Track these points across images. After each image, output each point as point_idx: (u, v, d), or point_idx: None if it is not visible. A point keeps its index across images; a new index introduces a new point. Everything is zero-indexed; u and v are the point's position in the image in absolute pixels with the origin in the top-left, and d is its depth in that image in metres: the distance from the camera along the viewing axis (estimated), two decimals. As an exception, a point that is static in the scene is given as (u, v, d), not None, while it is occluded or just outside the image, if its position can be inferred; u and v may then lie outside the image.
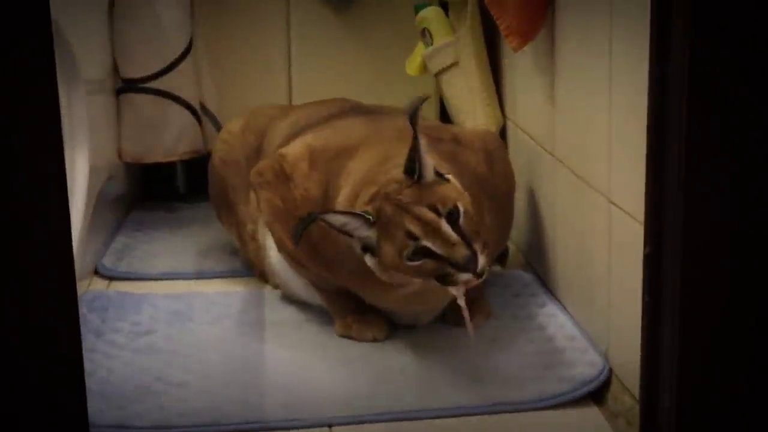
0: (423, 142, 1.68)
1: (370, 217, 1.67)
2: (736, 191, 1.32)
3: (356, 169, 1.81)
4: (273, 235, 1.96)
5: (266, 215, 1.95)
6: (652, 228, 1.38)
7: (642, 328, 1.42)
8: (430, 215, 1.64)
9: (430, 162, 1.70)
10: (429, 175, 1.69)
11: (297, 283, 2.03)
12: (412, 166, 1.68)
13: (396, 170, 1.71)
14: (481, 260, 1.63)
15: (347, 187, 1.79)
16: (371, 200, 1.70)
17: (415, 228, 1.64)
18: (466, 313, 1.71)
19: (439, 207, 1.65)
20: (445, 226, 1.64)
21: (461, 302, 1.69)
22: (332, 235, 1.76)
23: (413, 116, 1.67)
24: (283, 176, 1.91)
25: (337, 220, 1.68)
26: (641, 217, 1.42)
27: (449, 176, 1.72)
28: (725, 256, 1.33)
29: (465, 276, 1.63)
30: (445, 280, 1.65)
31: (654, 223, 1.37)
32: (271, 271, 2.08)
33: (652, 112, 1.35)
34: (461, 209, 1.65)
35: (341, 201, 1.78)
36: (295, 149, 1.94)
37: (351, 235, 1.70)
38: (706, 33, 1.27)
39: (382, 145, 1.85)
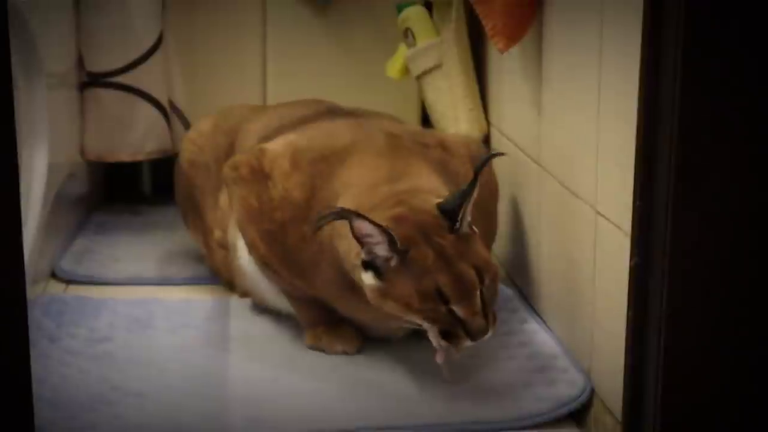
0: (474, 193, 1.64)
1: (398, 244, 1.59)
2: (726, 202, 1.32)
3: (354, 177, 1.74)
4: (244, 236, 1.88)
5: (238, 214, 1.88)
6: (640, 239, 1.38)
7: (626, 344, 1.42)
8: (473, 280, 1.59)
9: (469, 212, 1.65)
10: (465, 226, 1.64)
11: (267, 288, 1.96)
12: (455, 214, 1.62)
13: (427, 200, 1.65)
14: (491, 332, 1.61)
15: (347, 195, 1.71)
16: (397, 222, 1.61)
17: (449, 289, 1.58)
18: (440, 357, 1.64)
19: (484, 274, 1.61)
20: (478, 294, 1.60)
21: (438, 355, 1.64)
22: (309, 242, 1.71)
23: (480, 168, 1.62)
24: (260, 173, 1.84)
25: (364, 227, 1.59)
26: (628, 228, 1.41)
27: (475, 229, 1.67)
28: (714, 268, 1.33)
29: (469, 343, 1.60)
30: (448, 336, 1.61)
31: (641, 234, 1.37)
32: (241, 273, 2.02)
33: (642, 120, 1.35)
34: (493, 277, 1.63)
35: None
36: (275, 146, 1.88)
37: (362, 245, 1.61)
38: (699, 39, 1.28)
39: (380, 155, 1.79)
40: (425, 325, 1.62)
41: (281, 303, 1.96)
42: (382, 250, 1.60)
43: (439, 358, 1.64)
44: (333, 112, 2.08)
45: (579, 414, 1.68)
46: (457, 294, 1.59)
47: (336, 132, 1.89)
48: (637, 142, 1.36)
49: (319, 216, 1.63)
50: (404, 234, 1.60)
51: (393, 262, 1.60)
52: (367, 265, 1.62)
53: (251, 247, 1.87)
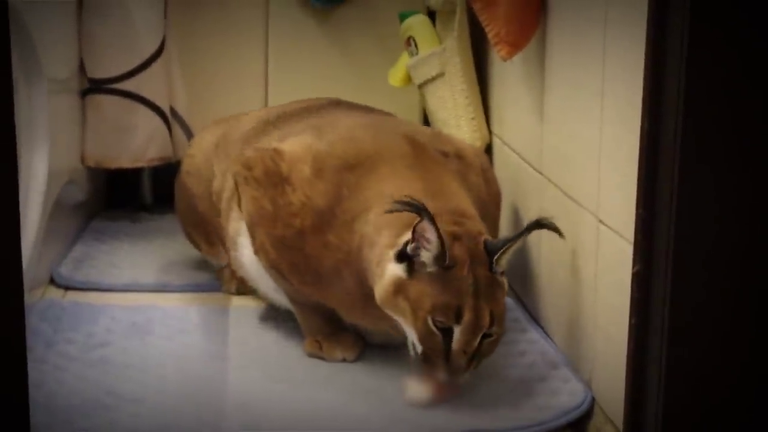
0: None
1: (447, 260, 1.60)
2: (728, 209, 1.32)
3: (389, 188, 1.71)
4: (253, 237, 1.84)
5: (248, 215, 1.84)
6: (642, 247, 1.37)
7: (628, 354, 1.41)
8: (485, 323, 1.60)
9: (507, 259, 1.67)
10: (500, 272, 1.66)
11: (267, 284, 1.94)
12: (496, 256, 1.63)
13: (480, 230, 1.67)
14: (464, 377, 1.62)
15: (384, 205, 1.68)
16: (455, 239, 1.62)
17: (466, 315, 1.59)
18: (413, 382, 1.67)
19: (495, 323, 1.62)
20: (479, 338, 1.61)
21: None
22: (332, 249, 1.71)
23: (533, 227, 1.64)
24: (276, 176, 1.80)
25: (429, 231, 1.59)
26: (631, 236, 1.41)
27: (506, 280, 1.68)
28: (717, 276, 1.33)
29: (442, 376, 1.61)
30: (427, 360, 1.62)
31: (644, 242, 1.36)
32: (239, 265, 1.98)
33: (645, 128, 1.35)
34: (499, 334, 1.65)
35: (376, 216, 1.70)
36: (293, 147, 1.83)
37: (413, 240, 1.60)
38: (703, 47, 1.28)
39: (410, 167, 1.77)
40: (413, 338, 1.62)
41: (279, 300, 1.94)
42: (427, 256, 1.60)
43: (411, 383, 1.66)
44: (337, 104, 2.07)
45: (580, 423, 1.67)
46: (468, 324, 1.59)
47: (356, 136, 1.85)
48: (640, 150, 1.36)
49: (394, 202, 1.61)
50: (457, 254, 1.61)
51: (430, 269, 1.60)
52: (402, 258, 1.62)
53: (260, 251, 1.84)
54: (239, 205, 1.88)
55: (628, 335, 1.40)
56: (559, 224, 1.87)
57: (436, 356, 1.61)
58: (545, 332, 1.95)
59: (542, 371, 1.79)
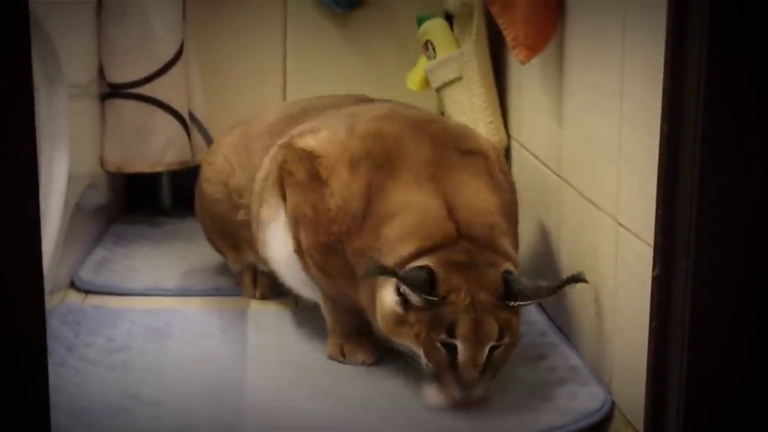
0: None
1: (436, 300, 1.59)
2: (750, 211, 1.30)
3: (409, 197, 1.71)
4: (299, 241, 1.83)
5: (293, 220, 1.83)
6: (662, 249, 1.36)
7: (648, 356, 1.40)
8: (490, 332, 1.60)
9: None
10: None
11: (294, 277, 1.91)
12: (515, 298, 1.62)
13: (495, 262, 1.65)
14: (479, 391, 1.61)
15: (402, 220, 1.69)
16: (449, 269, 1.61)
17: (463, 327, 1.59)
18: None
19: (505, 333, 1.60)
20: (487, 348, 1.60)
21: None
22: (359, 254, 1.71)
23: (564, 284, 1.64)
24: (316, 179, 1.79)
25: (411, 296, 1.60)
26: (650, 239, 1.40)
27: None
28: (738, 278, 1.31)
29: (456, 393, 1.60)
30: (436, 377, 1.62)
31: (664, 244, 1.36)
32: (265, 253, 1.95)
33: (665, 130, 1.34)
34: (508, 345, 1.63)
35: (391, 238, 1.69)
36: (328, 149, 1.81)
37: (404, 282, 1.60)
38: (723, 48, 1.27)
39: (432, 178, 1.75)
40: (422, 359, 1.62)
41: (306, 293, 1.93)
42: (415, 299, 1.61)
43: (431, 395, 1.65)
44: (360, 100, 2.07)
45: (600, 427, 1.66)
46: (467, 337, 1.58)
47: (383, 131, 1.83)
48: (660, 151, 1.35)
49: (366, 266, 1.62)
50: (451, 285, 1.60)
51: (422, 303, 1.61)
52: (399, 292, 1.62)
53: (307, 255, 1.82)
54: (279, 194, 1.86)
55: (649, 338, 1.39)
56: (578, 227, 1.87)
57: (444, 372, 1.61)
58: (564, 335, 1.94)
59: (562, 375, 1.78)
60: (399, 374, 1.79)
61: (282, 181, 1.86)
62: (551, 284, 1.64)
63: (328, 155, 1.80)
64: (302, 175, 1.81)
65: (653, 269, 1.37)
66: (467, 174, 1.79)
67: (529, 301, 1.64)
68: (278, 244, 1.90)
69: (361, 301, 1.77)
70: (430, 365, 1.62)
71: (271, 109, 2.16)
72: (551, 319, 2.02)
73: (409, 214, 1.70)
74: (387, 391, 1.74)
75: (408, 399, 1.71)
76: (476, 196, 1.75)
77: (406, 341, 1.64)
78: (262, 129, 2.07)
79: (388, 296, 1.64)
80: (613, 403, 1.68)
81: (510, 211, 1.83)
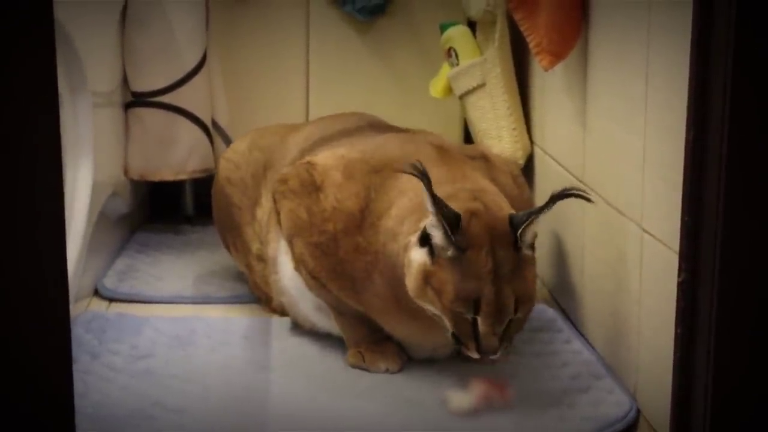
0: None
1: (454, 240, 1.60)
2: None
3: (409, 183, 1.72)
4: (292, 250, 1.87)
5: (287, 228, 1.86)
6: (688, 255, 1.35)
7: (674, 364, 1.39)
8: (509, 308, 1.62)
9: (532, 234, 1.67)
10: (527, 247, 1.66)
11: (307, 305, 1.95)
12: (520, 230, 1.63)
13: (502, 205, 1.68)
14: (499, 354, 1.63)
15: (404, 198, 1.72)
16: (473, 216, 1.63)
17: (485, 304, 1.60)
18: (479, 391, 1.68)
19: (520, 306, 1.62)
20: (504, 323, 1.62)
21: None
22: (362, 252, 1.72)
23: (559, 197, 1.64)
24: (310, 186, 1.83)
25: (426, 200, 1.60)
26: (676, 245, 1.39)
27: (534, 255, 1.68)
28: (765, 284, 1.30)
29: (475, 355, 1.63)
30: (458, 341, 1.65)
31: (689, 250, 1.35)
32: (279, 289, 2.01)
33: (691, 136, 1.33)
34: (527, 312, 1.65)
35: (397, 213, 1.72)
36: (325, 159, 1.87)
37: (438, 214, 1.60)
38: (748, 53, 1.26)
39: (433, 165, 1.76)
40: (445, 323, 1.64)
41: (321, 321, 1.95)
42: (440, 239, 1.61)
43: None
44: (374, 125, 2.08)
45: (624, 435, 1.65)
46: (489, 312, 1.60)
47: (386, 144, 1.89)
48: (685, 158, 1.35)
49: (399, 166, 1.64)
50: (474, 233, 1.62)
51: (450, 253, 1.61)
52: (425, 241, 1.63)
53: (299, 262, 1.86)
54: (279, 222, 1.90)
55: (674, 345, 1.38)
56: (603, 234, 1.87)
57: (467, 339, 1.63)
58: (589, 343, 1.94)
59: (586, 382, 1.78)
60: (422, 382, 1.79)
61: (277, 206, 1.89)
62: (544, 203, 1.64)
63: (322, 164, 1.85)
64: (296, 183, 1.85)
65: (678, 276, 1.36)
66: (466, 167, 1.81)
67: (528, 220, 1.63)
68: (287, 271, 1.94)
69: (364, 300, 1.78)
70: (451, 329, 1.64)
71: (292, 139, 2.15)
72: (575, 326, 2.01)
73: (404, 198, 1.72)
74: (410, 398, 1.74)
75: (431, 407, 1.70)
76: (471, 177, 1.78)
77: (432, 306, 1.65)
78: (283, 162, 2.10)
79: (415, 254, 1.65)
80: (638, 411, 1.67)
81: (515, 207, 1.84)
